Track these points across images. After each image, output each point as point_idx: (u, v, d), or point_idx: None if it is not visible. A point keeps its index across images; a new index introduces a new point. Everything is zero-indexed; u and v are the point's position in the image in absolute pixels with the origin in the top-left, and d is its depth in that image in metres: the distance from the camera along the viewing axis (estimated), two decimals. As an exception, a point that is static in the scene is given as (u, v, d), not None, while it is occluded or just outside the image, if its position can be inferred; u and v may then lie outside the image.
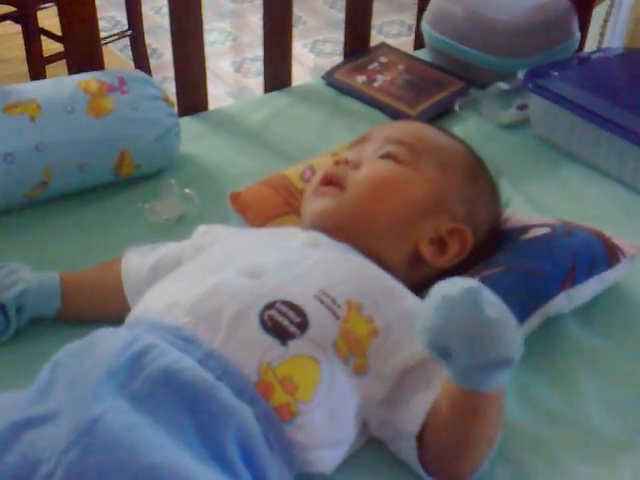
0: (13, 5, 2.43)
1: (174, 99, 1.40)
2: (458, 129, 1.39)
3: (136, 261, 1.01)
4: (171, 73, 1.50)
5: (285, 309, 0.80)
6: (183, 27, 1.44)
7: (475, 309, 0.70)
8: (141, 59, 2.66)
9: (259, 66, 2.77)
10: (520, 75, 1.48)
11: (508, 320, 0.71)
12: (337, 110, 1.55)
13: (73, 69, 1.37)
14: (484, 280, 0.95)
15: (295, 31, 1.61)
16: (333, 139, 1.39)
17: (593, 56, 1.54)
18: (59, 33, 2.30)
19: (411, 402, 0.80)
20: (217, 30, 3.33)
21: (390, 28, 3.33)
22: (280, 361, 0.77)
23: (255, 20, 3.34)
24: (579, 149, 1.39)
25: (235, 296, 0.81)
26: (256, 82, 2.84)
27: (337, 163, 1.00)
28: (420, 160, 0.98)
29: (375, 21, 1.74)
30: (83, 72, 1.30)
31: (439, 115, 1.52)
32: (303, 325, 0.80)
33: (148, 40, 2.71)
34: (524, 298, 0.96)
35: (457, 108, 1.54)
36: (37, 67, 2.44)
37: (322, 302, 0.82)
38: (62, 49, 2.26)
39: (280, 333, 0.79)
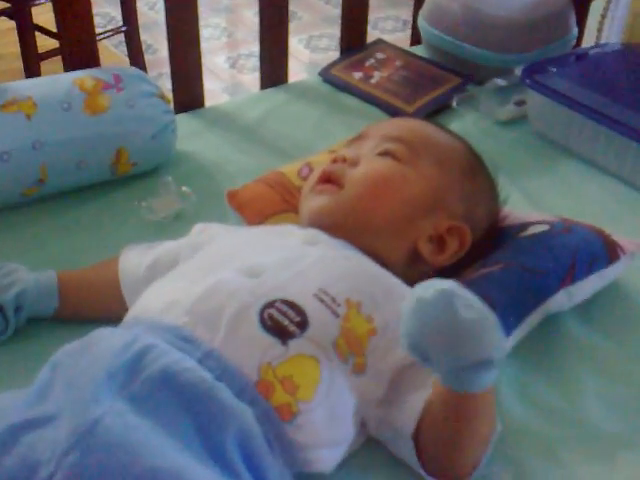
0: (7, 1, 2.43)
1: (169, 95, 1.39)
2: (455, 125, 1.38)
3: (133, 260, 1.00)
4: (166, 69, 1.49)
5: (285, 308, 0.80)
6: (178, 23, 1.43)
7: (449, 311, 0.68)
8: (136, 55, 2.66)
9: (254, 62, 2.78)
10: (517, 71, 1.47)
11: (486, 320, 0.70)
12: (334, 107, 1.55)
13: (69, 65, 1.36)
14: (483, 278, 0.96)
15: (290, 26, 1.60)
16: (330, 136, 1.39)
17: (591, 52, 1.54)
18: (54, 29, 2.30)
19: (407, 401, 0.80)
20: (212, 26, 3.32)
21: (385, 24, 3.33)
22: (280, 360, 0.77)
23: (250, 16, 3.33)
24: (577, 145, 1.39)
25: (234, 295, 0.81)
26: (252, 78, 2.84)
27: (335, 161, 0.99)
28: (418, 158, 0.98)
29: (370, 16, 1.73)
30: (79, 68, 1.30)
31: (436, 111, 1.51)
32: (303, 324, 0.79)
33: (143, 36, 2.71)
34: (523, 296, 0.96)
35: (454, 104, 1.53)
36: (32, 63, 2.44)
37: (322, 301, 0.82)
38: (57, 45, 2.25)
39: (280, 332, 0.78)
